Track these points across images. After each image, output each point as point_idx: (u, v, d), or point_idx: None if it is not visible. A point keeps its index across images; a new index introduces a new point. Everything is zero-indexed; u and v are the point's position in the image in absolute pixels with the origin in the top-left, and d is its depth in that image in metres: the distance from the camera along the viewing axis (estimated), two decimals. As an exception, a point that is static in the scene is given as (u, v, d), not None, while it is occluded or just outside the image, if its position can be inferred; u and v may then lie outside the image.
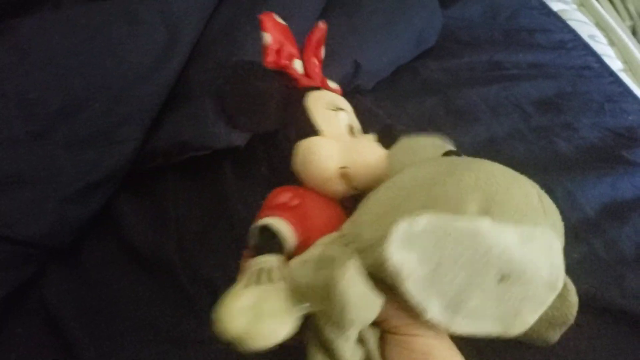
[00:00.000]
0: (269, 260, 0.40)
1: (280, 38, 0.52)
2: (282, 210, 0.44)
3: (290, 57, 0.53)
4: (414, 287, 0.36)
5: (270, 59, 0.51)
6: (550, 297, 0.38)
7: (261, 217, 0.43)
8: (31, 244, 0.60)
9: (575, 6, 1.14)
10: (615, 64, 0.97)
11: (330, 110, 0.49)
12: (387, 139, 0.50)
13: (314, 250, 0.41)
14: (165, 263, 0.62)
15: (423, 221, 0.36)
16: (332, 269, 0.34)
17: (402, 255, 0.36)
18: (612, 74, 0.92)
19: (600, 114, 0.83)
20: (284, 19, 0.79)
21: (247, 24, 0.77)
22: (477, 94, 0.86)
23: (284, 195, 0.46)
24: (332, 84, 0.58)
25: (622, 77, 0.92)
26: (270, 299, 0.36)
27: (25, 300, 0.61)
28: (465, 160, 0.43)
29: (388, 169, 0.50)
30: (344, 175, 0.47)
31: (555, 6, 1.09)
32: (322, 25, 0.56)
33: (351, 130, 0.50)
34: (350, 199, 0.50)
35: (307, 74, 0.55)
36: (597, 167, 0.74)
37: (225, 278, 0.46)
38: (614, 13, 1.52)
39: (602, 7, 1.16)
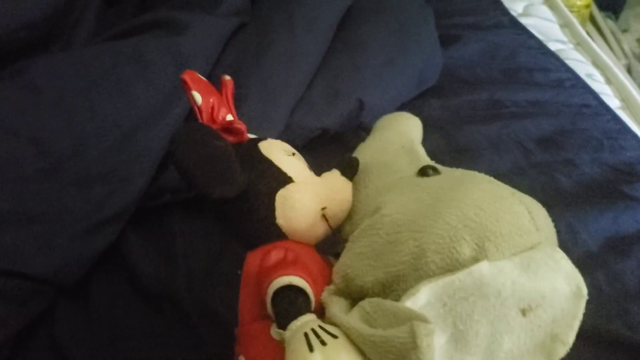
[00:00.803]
0: (312, 320, 0.38)
1: (209, 94, 0.48)
2: (287, 268, 0.42)
3: (225, 114, 0.49)
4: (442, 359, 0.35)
5: (206, 118, 0.47)
6: (581, 306, 0.37)
7: (268, 280, 0.41)
8: (41, 280, 0.60)
9: (572, 46, 1.16)
10: (613, 102, 0.99)
11: (288, 156, 0.48)
12: (347, 170, 0.49)
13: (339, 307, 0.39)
14: (174, 298, 0.62)
15: (423, 295, 0.35)
16: (411, 327, 0.32)
17: None
18: (610, 111, 0.93)
19: (600, 150, 0.84)
20: (290, 61, 0.82)
21: (253, 67, 0.79)
22: (479, 131, 0.87)
23: (276, 253, 0.44)
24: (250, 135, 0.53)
25: (619, 115, 0.93)
26: (340, 356, 0.35)
27: (35, 337, 0.61)
28: (446, 188, 0.41)
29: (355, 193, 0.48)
30: (324, 216, 0.46)
31: (553, 46, 1.11)
32: (227, 78, 0.52)
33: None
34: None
35: None
36: (598, 202, 0.75)
37: (233, 313, 0.46)
38: (609, 52, 1.55)
39: (598, 46, 1.19)
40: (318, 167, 0.50)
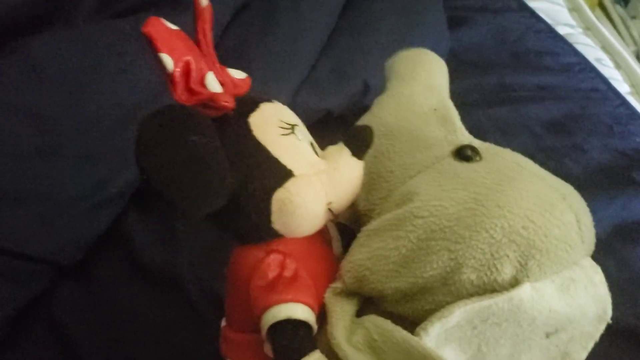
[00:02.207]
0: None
1: (182, 52, 0.34)
2: (285, 291, 0.35)
3: (202, 76, 0.35)
4: None
5: (179, 89, 0.34)
6: (601, 329, 0.35)
7: (262, 304, 0.35)
8: (40, 260, 0.59)
9: (581, 30, 1.14)
10: (622, 87, 0.97)
11: (286, 136, 0.38)
12: (360, 148, 0.40)
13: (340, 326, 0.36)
14: (176, 280, 0.62)
15: (455, 318, 0.32)
16: None
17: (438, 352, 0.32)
18: (619, 96, 0.92)
19: (610, 136, 0.83)
20: (294, 40, 0.80)
21: (257, 46, 0.78)
22: (486, 116, 0.86)
23: (273, 264, 0.37)
24: (236, 73, 0.40)
25: (629, 100, 0.92)
26: None
27: (35, 318, 0.61)
28: (490, 187, 0.35)
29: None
30: (329, 210, 0.39)
31: (562, 30, 1.10)
32: (204, 3, 0.37)
33: (313, 149, 0.41)
34: None
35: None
36: (607, 188, 0.74)
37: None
38: (619, 38, 1.53)
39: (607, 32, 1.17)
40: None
